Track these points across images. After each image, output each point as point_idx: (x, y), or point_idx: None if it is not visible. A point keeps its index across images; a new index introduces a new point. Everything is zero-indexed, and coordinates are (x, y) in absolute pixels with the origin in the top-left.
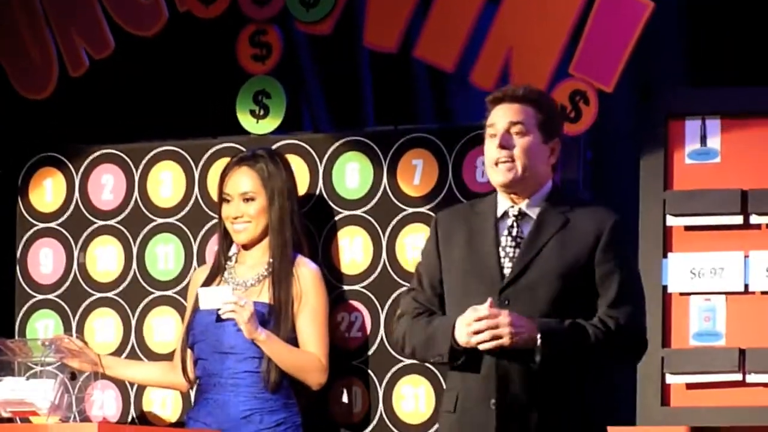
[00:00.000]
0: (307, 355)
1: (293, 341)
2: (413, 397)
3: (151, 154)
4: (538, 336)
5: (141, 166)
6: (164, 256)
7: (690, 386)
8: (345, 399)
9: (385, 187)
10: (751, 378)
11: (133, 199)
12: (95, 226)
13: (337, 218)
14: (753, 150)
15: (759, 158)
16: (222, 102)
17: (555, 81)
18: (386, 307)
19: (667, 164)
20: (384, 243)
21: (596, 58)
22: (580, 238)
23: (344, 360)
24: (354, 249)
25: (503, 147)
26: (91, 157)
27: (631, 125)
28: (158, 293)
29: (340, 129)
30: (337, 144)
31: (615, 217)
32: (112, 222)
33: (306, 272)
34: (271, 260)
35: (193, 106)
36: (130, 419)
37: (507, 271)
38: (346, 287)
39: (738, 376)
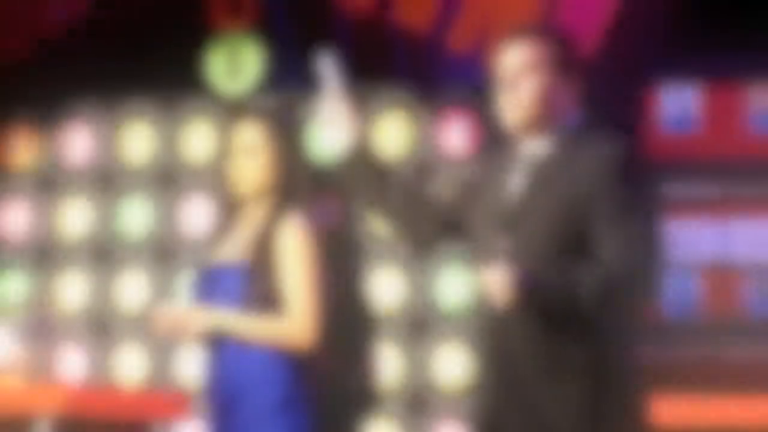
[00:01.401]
0: (279, 322)
1: (275, 303)
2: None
3: (123, 111)
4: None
5: (112, 124)
6: (136, 215)
7: None
8: None
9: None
10: None
11: (104, 157)
12: (64, 184)
13: None
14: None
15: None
16: (194, 59)
17: None
18: None
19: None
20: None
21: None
22: (582, 176)
23: None
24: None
25: (511, 93)
26: (61, 114)
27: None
28: (129, 252)
29: (316, 88)
30: (313, 104)
31: (622, 151)
32: (82, 180)
33: (290, 230)
34: (264, 218)
35: (166, 63)
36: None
37: (513, 210)
38: None
39: None
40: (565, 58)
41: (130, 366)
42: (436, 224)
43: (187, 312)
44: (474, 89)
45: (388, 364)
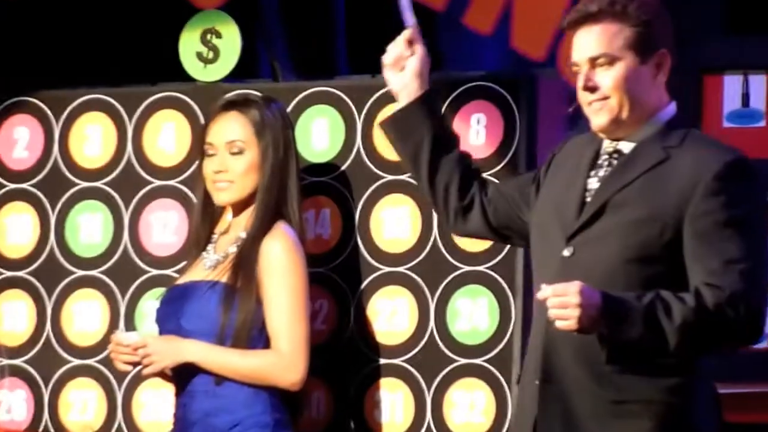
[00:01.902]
0: (261, 357)
1: (262, 329)
2: (389, 404)
3: (76, 103)
4: (602, 322)
5: (63, 119)
6: (89, 227)
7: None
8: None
9: (359, 149)
10: None
11: (53, 158)
12: (5, 189)
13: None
14: None
15: None
16: (163, 42)
17: None
18: (358, 294)
19: (702, 127)
20: (357, 216)
21: None
22: (674, 181)
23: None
24: (320, 223)
25: (589, 89)
26: (2, 107)
27: None
28: (81, 273)
29: (305, 77)
30: (301, 95)
31: (727, 159)
32: (25, 185)
33: (270, 247)
34: (245, 231)
35: (128, 46)
36: (42, 427)
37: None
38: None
39: None
40: (646, 36)
41: (84, 410)
42: (482, 205)
43: (158, 342)
44: (495, 76)
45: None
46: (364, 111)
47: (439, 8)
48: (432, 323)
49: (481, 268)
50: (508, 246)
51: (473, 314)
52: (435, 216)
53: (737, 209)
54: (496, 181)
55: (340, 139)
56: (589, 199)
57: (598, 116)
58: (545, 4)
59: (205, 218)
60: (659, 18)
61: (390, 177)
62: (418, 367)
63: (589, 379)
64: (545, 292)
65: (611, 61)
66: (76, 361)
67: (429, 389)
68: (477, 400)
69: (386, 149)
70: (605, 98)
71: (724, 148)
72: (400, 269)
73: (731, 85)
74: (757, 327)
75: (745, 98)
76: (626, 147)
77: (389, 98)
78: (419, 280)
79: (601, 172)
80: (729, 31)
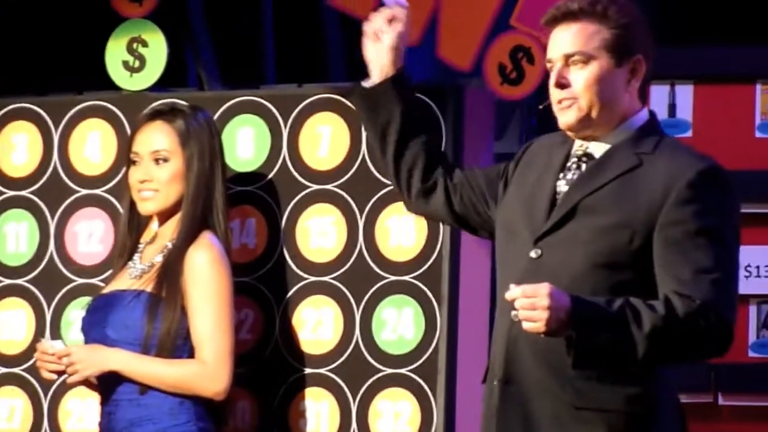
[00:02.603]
0: (185, 366)
1: (186, 339)
2: (314, 414)
3: (1, 112)
4: (570, 326)
5: None
6: (15, 236)
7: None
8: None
9: (284, 158)
10: None
11: None
12: None
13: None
14: (730, 122)
15: (736, 131)
16: (88, 50)
17: (493, 34)
18: (283, 303)
19: None
20: (282, 225)
21: (543, 7)
22: (646, 188)
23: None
24: (246, 233)
25: (560, 86)
26: None
27: None
28: (6, 281)
29: (231, 87)
30: (227, 105)
31: (700, 167)
32: None
33: (195, 257)
34: (170, 241)
35: (54, 55)
36: None
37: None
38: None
39: None
40: (624, 40)
41: (10, 418)
42: (446, 189)
43: (82, 350)
44: (421, 86)
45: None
46: (290, 120)
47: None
48: (358, 333)
49: (406, 278)
50: (434, 256)
51: (399, 324)
52: (361, 226)
53: (709, 218)
54: (464, 168)
55: (265, 149)
56: (559, 202)
57: (566, 114)
58: (471, 14)
59: (132, 228)
60: (638, 23)
61: (316, 186)
62: (343, 376)
63: (550, 382)
64: (514, 292)
65: (586, 60)
66: (2, 370)
67: (354, 399)
68: (402, 410)
69: (312, 158)
70: (574, 98)
71: (698, 156)
72: (326, 279)
73: (658, 95)
74: (727, 338)
75: (672, 108)
76: (597, 151)
77: (315, 107)
78: (345, 289)
79: (570, 175)
80: (655, 41)
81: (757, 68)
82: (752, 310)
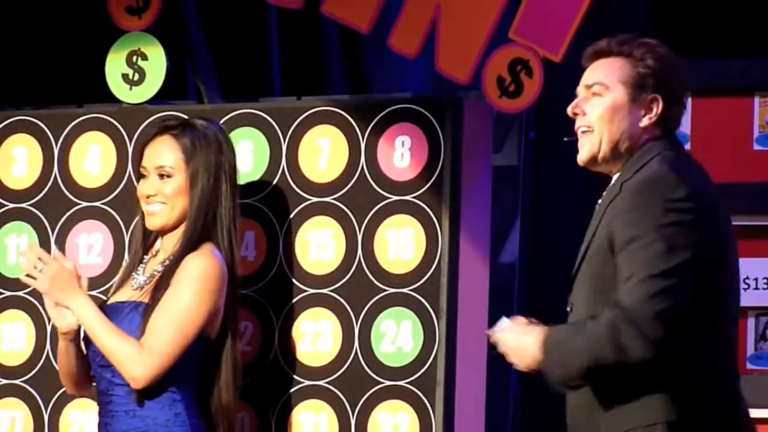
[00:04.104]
0: (126, 343)
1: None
2: (313, 426)
3: (2, 124)
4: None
5: None
6: (15, 248)
7: None
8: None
9: (283, 171)
10: None
11: None
12: None
13: None
14: (728, 134)
15: (734, 144)
16: (88, 63)
17: (491, 47)
18: (282, 315)
19: None
20: (281, 238)
21: (542, 21)
22: (613, 212)
23: None
24: (245, 245)
25: (574, 113)
26: None
27: None
28: (7, 293)
29: (230, 99)
30: (226, 117)
31: (647, 175)
32: None
33: (189, 260)
34: (172, 254)
35: (54, 67)
36: None
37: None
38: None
39: None
40: (645, 76)
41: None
42: None
43: (64, 273)
44: (420, 98)
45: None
46: (289, 133)
47: (365, 30)
48: (356, 345)
49: (405, 290)
50: (433, 268)
51: (397, 336)
52: (359, 238)
53: (635, 226)
54: None
55: (264, 161)
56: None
57: (582, 150)
58: (470, 27)
59: (144, 239)
60: (666, 66)
61: (315, 199)
62: (342, 388)
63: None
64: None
65: (603, 90)
66: (3, 381)
67: (353, 411)
68: (401, 422)
69: (311, 171)
70: (589, 126)
71: (659, 166)
72: (325, 291)
73: None
74: (650, 342)
75: None
76: (615, 183)
77: (314, 120)
78: (344, 301)
79: (597, 215)
80: None
81: (755, 81)
82: (750, 322)
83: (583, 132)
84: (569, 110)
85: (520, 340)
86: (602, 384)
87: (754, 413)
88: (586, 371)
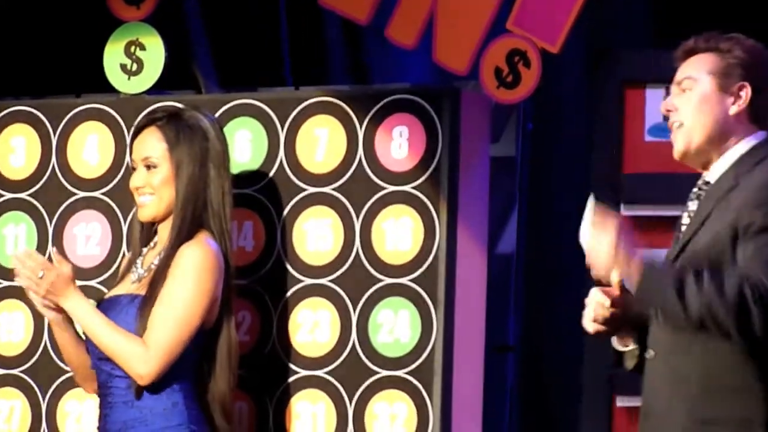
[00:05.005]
0: (129, 341)
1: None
2: (311, 416)
3: (1, 115)
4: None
5: None
6: (14, 238)
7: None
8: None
9: (281, 161)
10: None
11: None
12: None
13: None
14: None
15: None
16: (87, 53)
17: (489, 38)
18: (280, 305)
19: (623, 141)
20: (279, 228)
21: (540, 11)
22: (734, 202)
23: None
24: (243, 236)
25: (667, 111)
26: None
27: (582, 93)
28: (5, 283)
29: (229, 89)
30: (224, 107)
31: None
32: None
33: (183, 251)
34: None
35: (52, 58)
36: None
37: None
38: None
39: None
40: (731, 66)
41: (8, 420)
42: None
43: (56, 276)
44: (417, 89)
45: None
46: (287, 123)
47: (363, 21)
48: (354, 335)
49: (403, 280)
50: (430, 259)
51: (395, 326)
52: (357, 228)
53: None
54: None
55: (262, 152)
56: (681, 237)
57: (676, 143)
58: (467, 18)
59: (142, 232)
60: (752, 55)
61: (312, 189)
62: (340, 378)
63: (681, 407)
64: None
65: (692, 83)
66: (1, 371)
67: (351, 401)
68: (398, 412)
69: (309, 162)
70: (680, 121)
71: None
72: (323, 281)
73: (653, 98)
74: (744, 303)
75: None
76: (712, 177)
77: (312, 110)
78: (341, 292)
79: (691, 206)
80: (652, 44)
81: None
82: None
83: (677, 127)
84: (662, 109)
85: (620, 243)
86: (697, 358)
87: None
88: (697, 315)
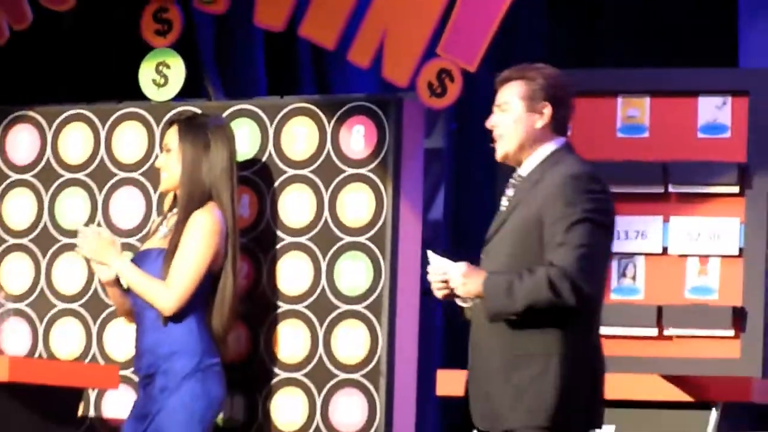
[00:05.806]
0: (155, 285)
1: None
2: (293, 337)
3: (63, 116)
4: (480, 287)
5: (53, 127)
6: (73, 208)
7: (607, 338)
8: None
9: (270, 152)
10: (668, 332)
11: (46, 156)
12: (10, 179)
13: None
14: (676, 126)
15: (682, 132)
16: (127, 71)
17: (424, 60)
18: (269, 258)
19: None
20: (268, 201)
21: (462, 40)
22: (539, 193)
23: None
24: (242, 206)
25: (491, 126)
26: (9, 118)
27: (491, 102)
28: (66, 240)
29: (231, 97)
30: (228, 111)
31: (572, 172)
32: (26, 176)
33: (196, 216)
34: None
35: (102, 74)
36: (38, 354)
37: (492, 232)
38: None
39: (654, 331)
40: (535, 92)
41: (68, 341)
42: None
43: (111, 243)
44: (371, 98)
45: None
46: (275, 123)
47: (331, 47)
48: (324, 279)
49: (360, 239)
50: (380, 223)
51: (354, 273)
52: (326, 201)
53: (574, 208)
54: None
55: (257, 144)
56: (497, 220)
57: (498, 150)
58: (409, 45)
59: (162, 201)
60: (551, 81)
61: (293, 171)
62: (313, 311)
63: (498, 342)
64: (432, 277)
65: (507, 106)
66: (63, 305)
67: (321, 327)
68: (358, 335)
69: (291, 151)
70: (500, 134)
71: (576, 165)
72: (301, 239)
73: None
74: (577, 296)
75: (631, 117)
76: (523, 172)
77: (294, 113)
78: (315, 247)
79: (509, 191)
80: (627, 65)
81: (699, 85)
82: (614, 263)
83: (498, 138)
84: (487, 124)
85: (468, 273)
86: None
87: (616, 331)
88: (522, 310)
